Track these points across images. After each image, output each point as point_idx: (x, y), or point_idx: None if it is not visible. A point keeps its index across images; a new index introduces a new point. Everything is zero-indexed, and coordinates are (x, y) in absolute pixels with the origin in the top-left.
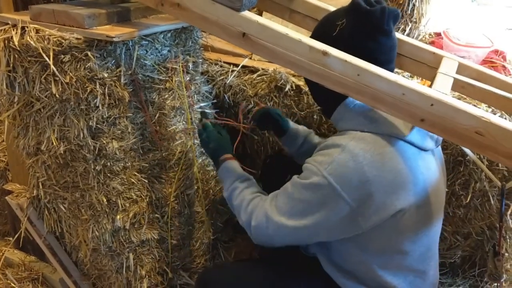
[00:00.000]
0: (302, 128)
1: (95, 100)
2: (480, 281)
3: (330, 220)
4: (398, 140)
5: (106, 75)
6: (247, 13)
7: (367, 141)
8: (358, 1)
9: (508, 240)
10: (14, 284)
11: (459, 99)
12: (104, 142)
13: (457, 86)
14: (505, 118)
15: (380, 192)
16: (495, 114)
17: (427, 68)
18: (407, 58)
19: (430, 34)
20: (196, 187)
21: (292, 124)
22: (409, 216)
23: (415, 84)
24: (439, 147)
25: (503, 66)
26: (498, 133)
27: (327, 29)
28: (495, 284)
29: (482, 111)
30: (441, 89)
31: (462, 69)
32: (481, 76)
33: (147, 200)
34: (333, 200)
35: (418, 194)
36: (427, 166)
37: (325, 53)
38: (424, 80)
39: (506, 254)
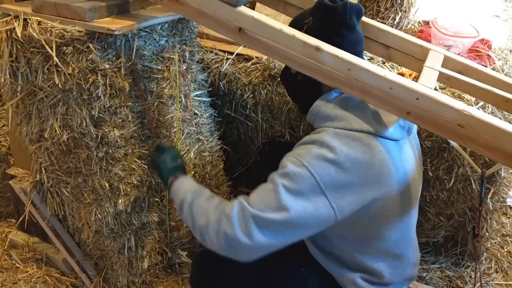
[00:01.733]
0: None
1: (97, 91)
2: (462, 259)
3: (307, 211)
4: (374, 135)
5: (107, 66)
6: (243, 9)
7: (342, 135)
8: None
9: (489, 221)
10: (19, 264)
11: (444, 88)
12: (106, 130)
13: (442, 78)
14: (488, 107)
15: (355, 184)
16: (477, 104)
17: (415, 60)
18: (395, 51)
19: (419, 23)
20: (193, 172)
21: None
22: (384, 206)
23: (402, 78)
24: (415, 134)
25: (488, 55)
26: (478, 125)
27: (296, 27)
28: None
29: (464, 105)
30: (426, 83)
31: (447, 61)
32: (465, 68)
33: (147, 185)
34: (312, 189)
35: (396, 187)
36: (405, 157)
37: (317, 49)
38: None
39: (486, 233)
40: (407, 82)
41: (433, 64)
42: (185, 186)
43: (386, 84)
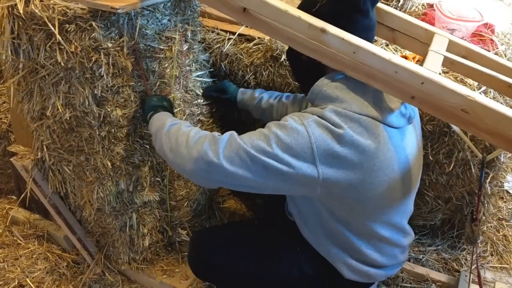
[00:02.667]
0: (252, 92)
1: (100, 70)
2: (458, 242)
3: (290, 165)
4: (373, 120)
5: (110, 45)
6: None
7: (341, 114)
8: None
9: (486, 205)
10: (20, 240)
11: (447, 72)
12: (109, 109)
13: (446, 62)
14: (490, 92)
15: (347, 160)
16: (480, 89)
17: (419, 43)
18: (400, 33)
19: (423, 5)
20: None
21: (240, 92)
22: (376, 191)
23: (408, 62)
24: (418, 120)
25: (491, 40)
26: (482, 111)
27: (308, 4)
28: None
29: (468, 90)
30: (431, 67)
31: (452, 46)
32: (470, 53)
33: (149, 164)
34: (303, 149)
35: (390, 172)
36: (404, 144)
37: (323, 31)
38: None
39: (483, 217)
40: (413, 66)
41: (438, 48)
42: (164, 118)
43: (392, 67)
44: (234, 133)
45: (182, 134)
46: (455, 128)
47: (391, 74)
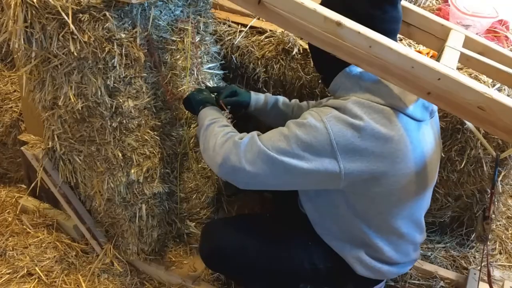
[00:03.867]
0: (265, 96)
1: (113, 60)
2: (467, 240)
3: (311, 164)
4: (395, 110)
5: (123, 35)
6: None
7: (365, 105)
8: None
9: (496, 203)
10: (30, 229)
11: (461, 68)
12: (121, 100)
13: (462, 59)
14: (505, 89)
15: (368, 152)
16: (494, 86)
17: (435, 39)
18: (416, 28)
19: (437, 0)
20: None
21: (253, 95)
22: (397, 184)
23: (424, 58)
24: (436, 116)
25: (506, 37)
26: (499, 108)
27: None
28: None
29: (485, 87)
30: (448, 63)
31: (468, 42)
32: (486, 49)
33: (159, 156)
34: (323, 146)
35: (411, 165)
36: (425, 138)
37: (339, 24)
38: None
39: (493, 215)
40: (429, 61)
41: (455, 44)
42: (205, 114)
43: (408, 62)
44: (255, 135)
45: (213, 137)
46: (469, 124)
47: (407, 69)
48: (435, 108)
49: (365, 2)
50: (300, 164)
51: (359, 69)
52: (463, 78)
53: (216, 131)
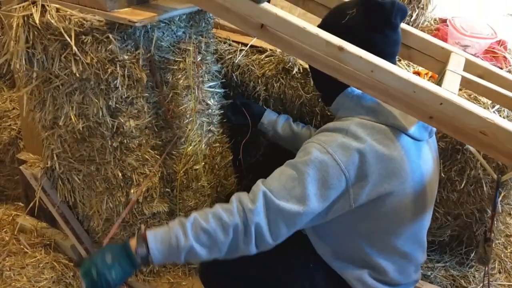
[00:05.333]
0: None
1: (115, 81)
2: (466, 259)
3: (327, 200)
4: (397, 130)
5: (126, 57)
6: (266, 5)
7: (368, 126)
8: None
9: (495, 222)
10: (27, 249)
11: (460, 89)
12: (122, 120)
13: (463, 82)
14: (504, 111)
15: (375, 175)
16: (493, 107)
17: (435, 61)
18: (416, 51)
19: (435, 20)
20: (203, 163)
21: (268, 110)
22: (399, 203)
23: (426, 82)
24: (434, 137)
25: (504, 57)
26: (501, 134)
27: (337, 17)
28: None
29: (487, 112)
30: (450, 87)
31: (468, 65)
32: (487, 73)
33: (159, 175)
34: (336, 176)
35: (412, 185)
36: (424, 158)
37: (341, 49)
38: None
39: (492, 235)
40: (431, 86)
41: (455, 68)
42: (167, 238)
43: (410, 87)
44: (266, 194)
45: (213, 233)
46: (470, 148)
47: (409, 93)
48: (434, 128)
49: (365, 26)
50: (319, 206)
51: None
52: (466, 103)
53: (206, 227)
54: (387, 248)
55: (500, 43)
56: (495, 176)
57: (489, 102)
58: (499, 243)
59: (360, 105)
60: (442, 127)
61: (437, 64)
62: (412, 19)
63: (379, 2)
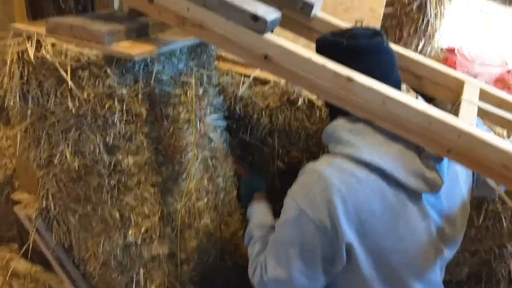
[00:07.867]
0: None
1: (113, 117)
2: None
3: (315, 253)
4: (382, 174)
5: (124, 91)
6: (269, 36)
7: (347, 173)
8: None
9: None
10: None
11: None
12: (120, 157)
13: (480, 112)
14: None
15: (343, 223)
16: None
17: (448, 91)
18: (427, 80)
19: (442, 49)
20: (206, 200)
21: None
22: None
23: (443, 114)
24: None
25: None
26: None
27: (327, 45)
28: None
29: (509, 145)
30: (467, 119)
31: (484, 94)
32: (503, 102)
33: (159, 214)
34: (308, 226)
35: (405, 240)
36: (422, 213)
37: (349, 79)
38: None
39: None
40: (448, 118)
41: (471, 98)
42: (252, 216)
43: (425, 119)
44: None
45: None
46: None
47: (424, 125)
48: (440, 183)
49: (345, 57)
50: (306, 258)
51: (354, 118)
52: (486, 136)
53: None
54: None
55: (510, 72)
56: None
57: (505, 132)
58: None
59: (346, 138)
60: (462, 160)
61: (451, 94)
62: (418, 49)
63: (332, 41)
